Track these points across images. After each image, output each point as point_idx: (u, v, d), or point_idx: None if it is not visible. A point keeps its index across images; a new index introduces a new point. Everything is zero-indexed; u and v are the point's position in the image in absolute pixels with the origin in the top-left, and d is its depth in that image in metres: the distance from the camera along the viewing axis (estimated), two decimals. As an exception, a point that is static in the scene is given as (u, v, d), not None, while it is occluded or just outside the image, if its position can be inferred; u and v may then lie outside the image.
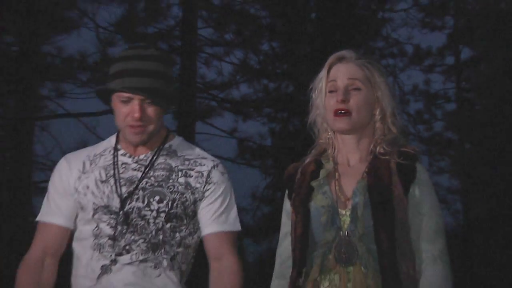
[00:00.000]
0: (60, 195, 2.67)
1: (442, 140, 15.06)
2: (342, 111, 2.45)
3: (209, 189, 2.64)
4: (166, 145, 2.70)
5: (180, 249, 2.60)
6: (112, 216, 2.56)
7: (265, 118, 13.66)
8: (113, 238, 2.54)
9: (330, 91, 2.50)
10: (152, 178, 2.60)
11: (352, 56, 2.53)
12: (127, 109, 2.57)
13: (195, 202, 2.63)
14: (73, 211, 2.65)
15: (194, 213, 2.63)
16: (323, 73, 2.54)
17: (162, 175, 2.61)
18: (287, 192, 2.59)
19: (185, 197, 2.61)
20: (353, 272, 2.35)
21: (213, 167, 2.68)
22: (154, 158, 2.64)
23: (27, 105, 11.83)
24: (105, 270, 2.53)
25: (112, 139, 2.73)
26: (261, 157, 13.68)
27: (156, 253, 2.55)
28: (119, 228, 2.54)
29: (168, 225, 2.57)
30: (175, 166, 2.64)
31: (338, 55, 2.55)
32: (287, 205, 2.58)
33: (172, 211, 2.58)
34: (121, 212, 2.56)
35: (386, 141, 2.49)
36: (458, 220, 15.56)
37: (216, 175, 2.67)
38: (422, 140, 14.66)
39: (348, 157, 2.52)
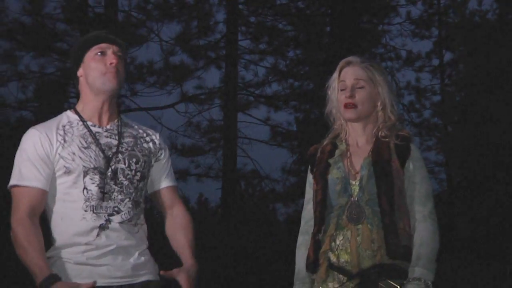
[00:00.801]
0: (42, 161, 2.30)
1: (430, 125, 14.95)
2: (350, 104, 2.45)
3: (161, 153, 2.50)
4: (121, 117, 2.48)
5: (143, 205, 2.44)
6: (101, 176, 2.31)
7: (292, 109, 13.60)
8: (104, 199, 2.31)
9: (341, 89, 2.50)
10: (124, 144, 2.40)
11: (358, 60, 2.51)
12: (103, 59, 2.36)
13: (153, 164, 2.48)
14: (50, 176, 2.31)
15: (149, 175, 2.47)
16: (335, 74, 2.54)
17: (131, 141, 2.42)
18: (309, 167, 2.58)
19: (150, 159, 2.45)
20: (362, 229, 2.35)
21: (160, 135, 2.55)
22: (120, 128, 2.43)
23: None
24: (102, 228, 2.29)
25: (70, 114, 2.42)
26: (289, 139, 13.64)
27: (136, 210, 2.37)
28: (107, 188, 2.31)
29: (140, 184, 2.40)
30: (136, 134, 2.46)
31: (347, 60, 2.54)
32: (309, 177, 2.57)
33: (143, 170, 2.41)
34: (108, 171, 2.32)
35: (386, 127, 2.47)
36: (443, 187, 15.44)
37: (162, 142, 2.53)
38: (414, 124, 14.57)
39: (357, 140, 2.50)
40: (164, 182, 2.50)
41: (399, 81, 14.46)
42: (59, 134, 2.34)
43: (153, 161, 2.47)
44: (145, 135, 2.49)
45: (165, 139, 2.48)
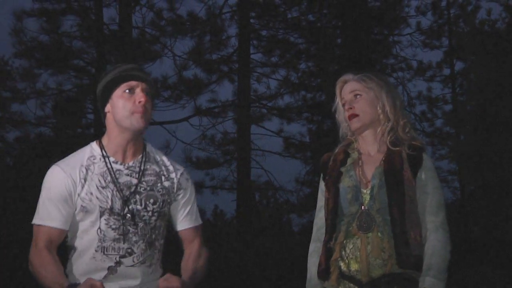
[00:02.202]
0: (63, 201, 2.30)
1: (442, 134, 14.88)
2: (352, 116, 2.48)
3: (180, 194, 2.44)
4: (146, 153, 2.43)
5: (162, 241, 2.41)
6: (116, 217, 2.29)
7: (304, 121, 13.61)
8: (118, 240, 2.28)
9: (343, 106, 2.55)
10: (144, 183, 2.35)
11: (351, 76, 2.55)
12: (132, 97, 2.32)
13: (171, 203, 2.43)
14: (70, 216, 2.32)
15: (168, 213, 2.44)
16: (337, 97, 2.58)
17: (152, 180, 2.38)
18: (321, 175, 2.58)
19: (170, 198, 2.41)
20: (372, 237, 2.34)
21: (181, 174, 2.46)
22: (142, 165, 2.38)
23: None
24: (111, 271, 2.28)
25: (95, 147, 2.39)
26: (302, 151, 13.63)
27: (150, 251, 2.34)
28: (123, 229, 2.29)
29: (158, 223, 2.36)
30: (159, 171, 2.41)
31: (342, 79, 2.58)
32: (321, 185, 2.57)
33: (162, 210, 2.37)
34: (124, 213, 2.30)
35: (390, 130, 2.47)
36: (456, 195, 15.34)
37: (183, 181, 2.46)
38: (426, 134, 14.50)
39: (368, 149, 2.50)
40: (182, 224, 2.47)
41: (410, 91, 14.44)
42: (82, 172, 2.32)
43: (172, 200, 2.43)
44: (167, 172, 2.44)
45: (188, 177, 2.51)
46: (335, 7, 13.45)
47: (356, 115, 2.48)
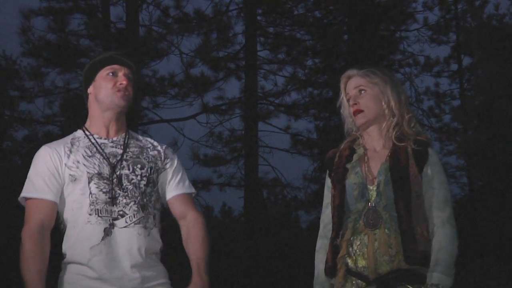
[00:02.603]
0: (50, 174, 2.37)
1: (450, 129, 14.82)
2: (357, 111, 2.46)
3: (167, 162, 2.52)
4: (128, 131, 2.53)
5: (155, 211, 2.44)
6: (105, 181, 2.35)
7: (311, 118, 13.62)
8: (109, 203, 2.34)
9: (347, 101, 2.53)
10: (130, 152, 2.45)
11: (355, 71, 2.53)
12: (114, 79, 2.45)
13: (160, 172, 2.49)
14: (60, 189, 2.37)
15: (158, 182, 2.49)
16: (342, 92, 2.56)
17: (137, 151, 2.47)
18: (327, 171, 2.56)
19: (158, 165, 2.48)
20: (379, 234, 2.32)
21: (166, 147, 2.57)
22: (126, 140, 2.48)
23: (131, 114, 12.02)
24: (106, 232, 2.32)
25: (78, 131, 2.51)
26: (309, 147, 13.63)
27: (144, 213, 2.37)
28: (113, 192, 2.35)
29: (148, 189, 2.42)
30: (143, 145, 2.51)
31: (346, 75, 2.55)
32: (327, 181, 2.55)
33: (151, 176, 2.44)
34: (113, 177, 2.37)
35: (395, 125, 2.45)
36: (464, 191, 15.28)
37: (169, 153, 2.55)
38: (434, 129, 14.47)
39: (374, 145, 2.48)
40: (172, 192, 2.52)
41: (418, 86, 14.39)
42: (66, 147, 2.42)
43: (160, 167, 2.49)
44: (150, 146, 2.53)
45: (172, 151, 2.63)
46: (341, 3, 13.40)
47: (361, 111, 2.45)
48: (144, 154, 2.48)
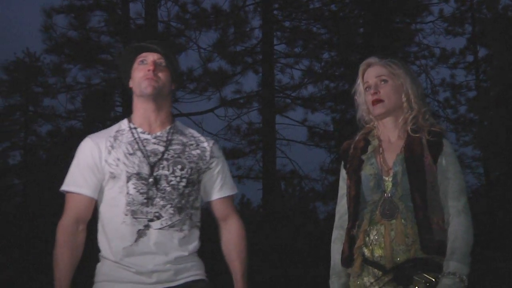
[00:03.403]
0: (89, 169, 2.35)
1: (466, 120, 14.71)
2: (377, 101, 2.44)
3: (213, 161, 2.46)
4: (174, 125, 2.47)
5: (193, 210, 2.39)
6: (143, 182, 2.31)
7: (328, 110, 13.57)
8: (145, 204, 2.30)
9: (366, 90, 2.50)
10: (171, 151, 2.38)
11: (377, 60, 2.51)
12: (143, 68, 2.40)
13: (203, 172, 2.43)
14: (99, 184, 2.36)
15: (200, 181, 2.43)
16: (359, 79, 2.53)
17: (179, 149, 2.40)
18: (342, 163, 2.55)
19: (199, 165, 2.41)
20: (395, 224, 2.31)
21: (214, 143, 2.50)
22: (170, 135, 2.41)
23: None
24: (140, 234, 2.28)
25: (124, 122, 2.47)
26: (326, 139, 13.60)
27: (180, 216, 2.33)
28: (150, 193, 2.30)
29: (186, 190, 2.36)
30: (187, 141, 2.44)
31: (367, 62, 2.53)
32: (343, 173, 2.54)
33: (191, 177, 2.37)
34: (150, 178, 2.31)
35: (412, 118, 2.43)
36: (481, 181, 15.18)
37: (216, 150, 2.49)
38: (450, 121, 14.35)
39: (389, 136, 2.47)
40: (215, 194, 2.48)
41: (434, 78, 14.28)
42: (109, 141, 2.38)
43: (203, 168, 2.43)
44: (194, 143, 2.46)
45: (219, 147, 2.54)
46: (357, -3, 13.34)
47: (381, 101, 2.44)
48: (186, 153, 2.41)
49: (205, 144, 2.47)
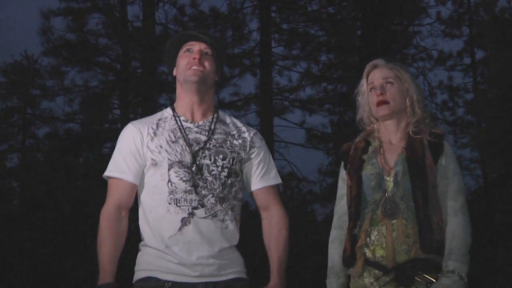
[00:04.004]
0: (132, 155, 2.33)
1: (463, 122, 14.71)
2: (382, 101, 2.45)
3: (253, 152, 2.42)
4: (217, 115, 2.44)
5: (235, 202, 2.35)
6: (186, 170, 2.27)
7: (326, 112, 13.57)
8: (189, 192, 2.26)
9: (370, 91, 2.51)
10: (213, 140, 2.35)
11: (383, 62, 2.53)
12: (189, 56, 2.39)
13: (244, 162, 2.40)
14: (140, 170, 2.33)
15: (242, 171, 2.40)
16: (363, 79, 2.55)
17: (221, 138, 2.36)
18: (342, 163, 2.56)
19: (241, 156, 2.38)
20: (396, 224, 2.32)
21: (255, 134, 2.47)
22: (212, 125, 2.39)
23: (148, 110, 12.09)
24: (184, 222, 2.25)
25: (167, 110, 2.44)
26: (324, 142, 13.60)
27: (222, 206, 2.29)
28: (193, 181, 2.26)
29: (229, 181, 2.32)
30: (229, 131, 2.41)
31: (373, 63, 2.55)
32: (342, 173, 2.55)
33: (233, 167, 2.34)
34: (193, 166, 2.28)
35: (414, 122, 2.46)
36: (479, 183, 15.18)
37: (257, 141, 2.45)
38: (448, 123, 14.36)
39: (390, 137, 2.49)
40: (257, 184, 2.43)
41: (431, 80, 14.29)
42: (151, 127, 2.36)
43: (244, 158, 2.40)
44: (236, 133, 2.43)
45: (261, 137, 2.51)
46: (354, -1, 13.36)
47: (386, 102, 2.45)
48: (228, 142, 2.38)
49: (246, 134, 2.44)
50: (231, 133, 2.42)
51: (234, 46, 12.92)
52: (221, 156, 2.33)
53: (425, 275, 2.27)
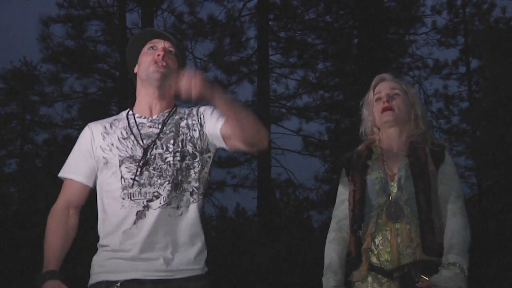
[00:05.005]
0: (82, 156, 2.32)
1: (458, 130, 14.76)
2: (388, 108, 2.52)
3: (202, 115, 2.34)
4: (174, 109, 2.38)
5: (197, 184, 2.27)
6: (137, 164, 2.23)
7: (323, 120, 13.60)
8: (143, 185, 2.21)
9: (376, 101, 2.59)
10: (167, 131, 2.29)
11: (391, 76, 2.63)
12: (153, 53, 2.34)
13: (201, 133, 2.32)
14: (93, 171, 2.31)
15: (204, 149, 2.31)
16: (370, 92, 2.63)
17: (173, 127, 2.31)
18: (344, 170, 2.59)
19: (190, 135, 2.30)
20: (401, 228, 2.36)
21: (199, 106, 2.38)
22: (167, 118, 2.33)
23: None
24: (139, 215, 2.19)
25: (125, 112, 2.41)
26: (321, 149, 13.62)
27: (176, 192, 2.22)
28: (146, 174, 2.22)
29: (184, 164, 2.25)
30: (179, 118, 2.34)
31: (381, 76, 2.64)
32: (344, 180, 2.58)
33: (184, 149, 2.27)
34: (145, 159, 2.23)
35: (417, 134, 2.53)
36: (474, 190, 15.22)
37: (202, 107, 2.37)
38: (443, 131, 14.40)
39: (391, 146, 2.54)
40: (220, 124, 2.28)
41: (427, 89, 14.35)
42: (105, 127, 2.34)
43: (198, 132, 2.31)
44: (185, 115, 2.37)
45: (209, 105, 2.31)
46: (351, 8, 13.41)
47: (391, 109, 2.52)
48: (179, 126, 2.32)
49: (194, 110, 2.38)
50: (180, 117, 2.35)
51: (232, 53, 12.97)
52: (171, 141, 2.27)
53: (423, 276, 2.29)
